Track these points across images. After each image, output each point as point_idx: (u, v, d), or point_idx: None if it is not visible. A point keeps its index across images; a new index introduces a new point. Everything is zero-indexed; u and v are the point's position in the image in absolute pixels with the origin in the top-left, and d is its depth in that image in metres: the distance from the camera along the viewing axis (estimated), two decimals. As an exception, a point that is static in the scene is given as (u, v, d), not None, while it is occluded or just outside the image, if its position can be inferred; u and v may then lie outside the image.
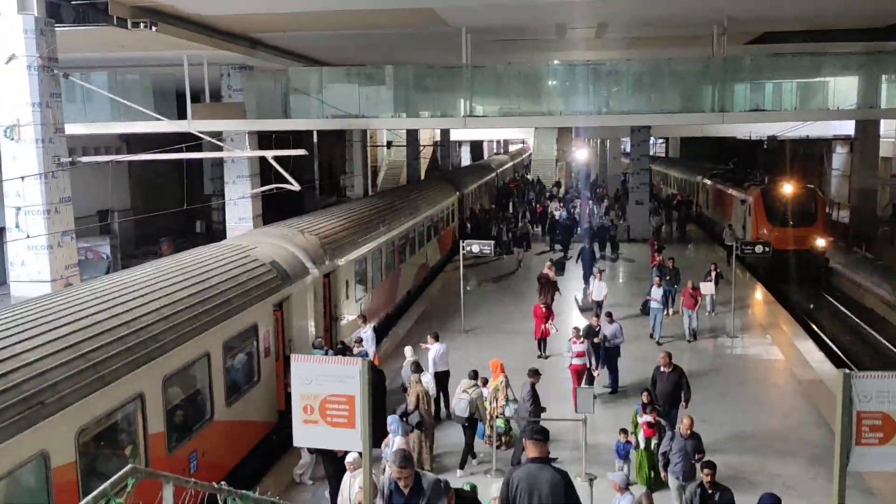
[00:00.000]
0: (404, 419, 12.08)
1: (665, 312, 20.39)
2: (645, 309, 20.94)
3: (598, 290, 20.93)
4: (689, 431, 10.71)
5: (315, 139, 44.42)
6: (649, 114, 21.21)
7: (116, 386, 8.81)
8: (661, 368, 13.20)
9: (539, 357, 18.13)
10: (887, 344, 21.48)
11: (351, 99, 22.97)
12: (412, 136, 46.13)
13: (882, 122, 36.89)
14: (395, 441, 10.96)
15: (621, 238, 34.09)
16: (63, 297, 10.12)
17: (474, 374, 13.24)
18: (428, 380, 13.38)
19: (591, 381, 15.20)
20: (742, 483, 11.46)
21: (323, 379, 8.16)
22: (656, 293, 19.96)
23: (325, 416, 8.36)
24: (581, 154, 54.62)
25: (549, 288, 21.08)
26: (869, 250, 31.79)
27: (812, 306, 26.39)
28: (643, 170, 36.97)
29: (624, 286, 25.95)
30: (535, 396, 12.61)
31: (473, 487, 7.49)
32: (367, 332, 16.14)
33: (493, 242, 21.53)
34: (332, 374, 8.09)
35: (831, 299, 26.98)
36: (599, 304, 20.63)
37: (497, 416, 12.98)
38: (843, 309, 25.50)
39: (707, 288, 21.07)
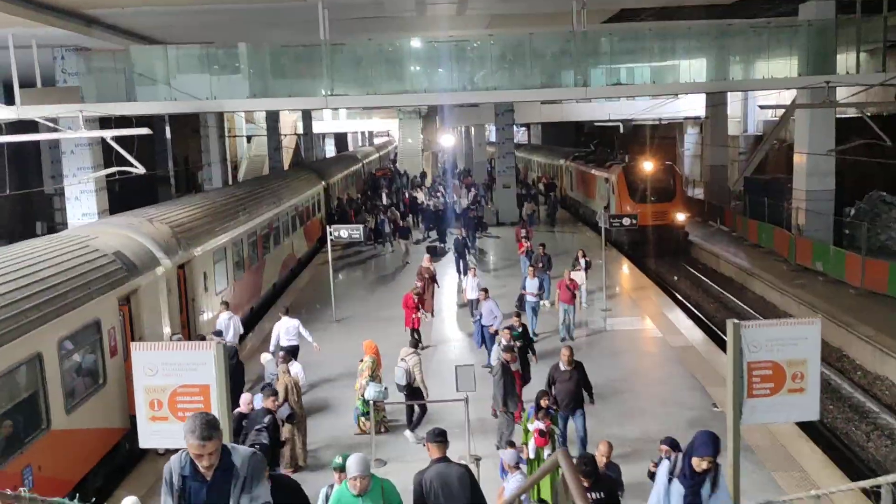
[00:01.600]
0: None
1: (541, 304, 18.87)
2: (521, 304, 18.72)
3: (472, 287, 18.91)
4: (605, 459, 8.83)
5: (168, 133, 41.94)
6: (513, 90, 20.91)
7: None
8: (562, 367, 11.58)
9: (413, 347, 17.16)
10: (747, 308, 22.29)
11: (201, 81, 21.46)
12: (272, 124, 44.39)
13: (728, 103, 38.83)
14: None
15: (490, 223, 34.21)
16: None
17: (414, 343, 13.44)
18: (297, 370, 12.42)
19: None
20: (628, 454, 11.23)
21: (171, 368, 7.10)
22: (531, 285, 18.32)
23: (175, 411, 7.29)
24: (446, 141, 54.39)
25: (429, 281, 20.06)
26: (724, 223, 33.28)
27: (676, 278, 27.19)
28: (508, 153, 37.16)
29: (495, 278, 24.41)
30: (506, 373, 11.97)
31: (346, 458, 6.65)
32: (222, 319, 14.92)
33: (362, 227, 20.69)
34: (181, 362, 7.06)
35: (692, 270, 27.91)
36: (474, 303, 18.45)
37: (358, 399, 12.57)
38: (704, 278, 26.38)
39: (579, 277, 19.42)
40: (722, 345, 18.47)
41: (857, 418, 14.83)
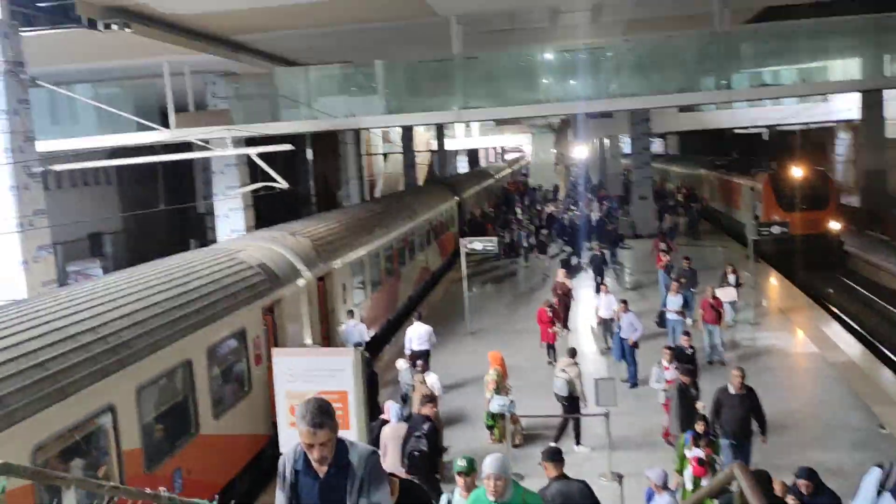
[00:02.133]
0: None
1: (685, 323, 16.89)
2: (662, 321, 17.57)
3: (606, 304, 17.55)
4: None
5: (309, 155, 43.65)
6: (649, 95, 20.18)
7: (81, 397, 7.82)
8: (731, 390, 10.34)
9: (549, 363, 16.37)
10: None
11: (340, 100, 22.16)
12: (407, 141, 45.29)
13: (885, 103, 36.06)
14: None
15: (627, 235, 33.15)
16: (23, 306, 9.16)
17: (572, 353, 13.04)
18: (433, 380, 12.35)
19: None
20: (786, 473, 10.39)
21: (310, 374, 7.20)
22: (673, 302, 16.93)
23: (315, 418, 7.38)
24: (580, 152, 53.52)
25: (564, 297, 19.24)
26: (884, 231, 30.82)
27: (832, 290, 25.36)
28: (645, 164, 36.07)
29: (634, 293, 23.32)
30: None
31: (470, 461, 6.23)
32: (348, 326, 15.09)
33: (496, 240, 20.53)
34: (320, 368, 7.13)
35: (850, 282, 25.95)
36: (607, 322, 17.48)
37: (485, 411, 12.39)
38: (863, 291, 24.46)
39: (727, 294, 17.93)
40: (886, 360, 17.03)
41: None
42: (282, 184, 14.62)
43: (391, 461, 9.77)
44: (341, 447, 3.76)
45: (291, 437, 7.04)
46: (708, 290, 16.89)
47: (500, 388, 12.31)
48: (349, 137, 37.09)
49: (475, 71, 21.25)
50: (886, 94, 34.67)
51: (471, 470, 6.15)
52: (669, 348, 12.70)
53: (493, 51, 22.20)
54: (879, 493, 4.16)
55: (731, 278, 19.16)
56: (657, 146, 77.27)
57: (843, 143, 48.50)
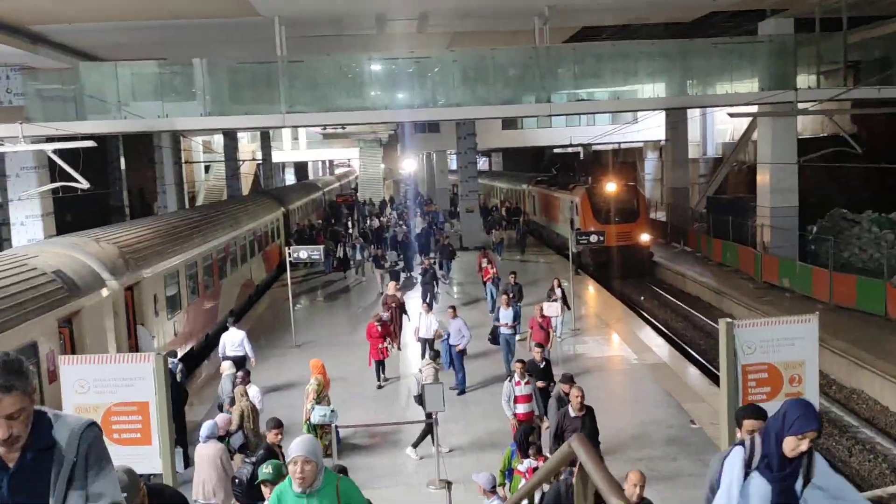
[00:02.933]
0: (226, 440, 10.28)
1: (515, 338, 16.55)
2: (495, 338, 16.69)
3: (426, 325, 16.18)
4: (639, 492, 6.82)
5: (122, 163, 40.89)
6: (475, 106, 20.45)
7: None
8: (572, 412, 9.47)
9: (378, 387, 15.60)
10: (715, 325, 21.95)
11: (154, 102, 20.71)
12: (230, 150, 43.59)
13: (688, 127, 39.04)
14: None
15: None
16: None
17: (435, 355, 13.09)
18: (255, 393, 11.61)
19: (537, 434, 10.34)
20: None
21: (104, 384, 6.36)
22: (506, 316, 16.15)
23: (110, 433, 6.53)
24: (408, 166, 53.90)
25: (397, 310, 18.13)
26: (687, 244, 33.19)
27: (642, 298, 26.86)
28: (471, 177, 36.75)
29: (462, 306, 21.79)
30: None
31: (277, 468, 5.62)
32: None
33: (322, 247, 19.92)
34: (116, 377, 6.33)
35: (659, 290, 27.62)
36: (427, 343, 15.98)
37: (304, 423, 11.71)
38: (671, 298, 26.10)
39: (553, 309, 16.83)
40: (693, 360, 18.13)
41: (838, 433, 14.43)
42: (82, 182, 13.34)
43: (203, 484, 8.98)
44: (40, 422, 2.61)
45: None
46: (536, 309, 15.83)
47: (322, 398, 11.76)
48: (166, 142, 34.97)
49: (300, 75, 20.61)
50: (689, 115, 37.50)
51: (277, 477, 5.46)
52: (522, 362, 11.69)
53: (319, 55, 21.63)
54: (746, 474, 3.57)
55: (558, 292, 18.73)
56: (482, 164, 79.64)
57: (651, 163, 52.12)
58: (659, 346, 18.35)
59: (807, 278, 22.35)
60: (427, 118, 25.18)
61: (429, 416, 11.38)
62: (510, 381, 11.46)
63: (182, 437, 11.59)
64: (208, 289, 20.16)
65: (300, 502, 4.32)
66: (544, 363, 12.47)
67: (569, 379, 10.36)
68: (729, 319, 6.44)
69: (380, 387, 15.63)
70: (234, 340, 15.06)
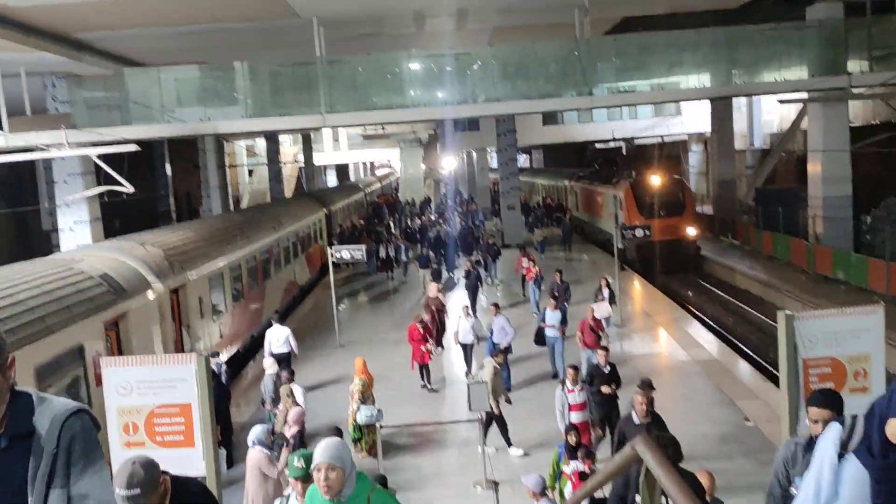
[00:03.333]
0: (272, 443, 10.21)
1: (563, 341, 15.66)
2: (539, 338, 15.84)
3: (464, 330, 15.70)
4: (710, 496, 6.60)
5: (168, 169, 41.55)
6: (516, 100, 20.20)
7: None
8: (636, 419, 8.58)
9: (423, 387, 15.28)
10: (768, 320, 21.36)
11: (197, 105, 20.94)
12: (272, 153, 43.95)
13: (734, 118, 38.20)
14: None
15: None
16: None
17: (497, 351, 12.80)
18: (299, 393, 11.54)
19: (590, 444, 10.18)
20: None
21: (147, 385, 6.30)
22: (552, 317, 15.37)
23: (153, 435, 6.46)
24: (448, 165, 53.77)
25: (438, 314, 17.64)
26: (735, 237, 32.45)
27: (691, 293, 26.30)
28: (512, 174, 36.43)
29: (512, 310, 21.18)
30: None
31: (306, 457, 5.11)
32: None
33: (363, 247, 19.83)
34: (158, 379, 6.27)
35: (708, 285, 27.03)
36: (467, 348, 15.82)
37: (351, 423, 11.65)
38: (720, 293, 25.51)
39: (603, 310, 16.25)
40: (745, 356, 17.63)
41: None
42: (127, 187, 13.43)
43: (245, 488, 8.83)
44: (20, 402, 2.25)
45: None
46: (588, 310, 15.01)
47: (367, 398, 11.66)
48: (210, 146, 35.37)
49: (340, 76, 20.62)
50: (735, 106, 36.70)
51: (309, 475, 4.77)
52: (574, 367, 10.98)
53: (359, 55, 21.61)
54: (841, 455, 3.00)
55: (606, 292, 17.86)
56: (523, 161, 79.20)
57: (695, 156, 51.16)
58: (709, 343, 17.88)
59: (862, 269, 21.62)
60: (467, 115, 24.96)
61: (488, 414, 11.34)
62: (562, 388, 10.72)
63: (227, 438, 11.59)
64: (252, 290, 20.25)
65: None
66: (609, 367, 11.39)
67: (648, 385, 9.54)
68: (788, 312, 6.12)
69: (428, 388, 15.33)
70: (279, 337, 15.22)
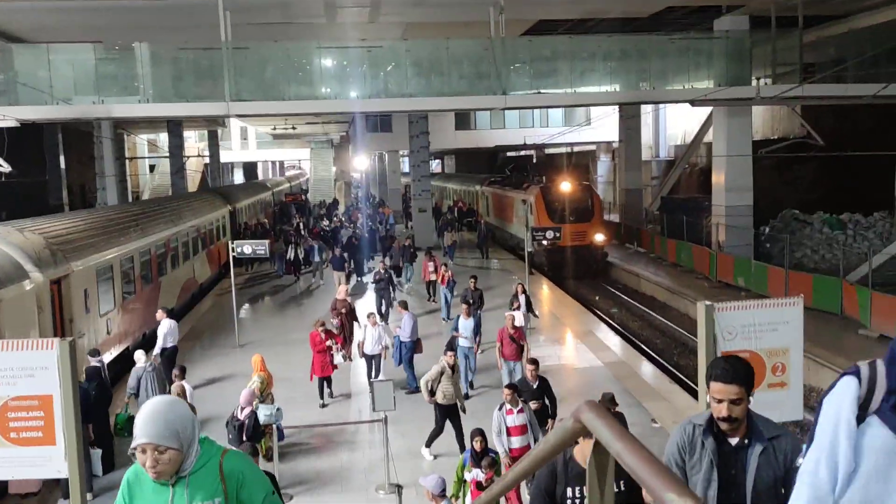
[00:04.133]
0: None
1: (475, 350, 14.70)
2: (452, 349, 13.86)
3: (372, 338, 14.50)
4: None
5: (62, 162, 39.21)
6: (429, 97, 19.80)
7: None
8: (529, 382, 10.39)
9: (322, 406, 13.81)
10: (672, 324, 21.66)
11: (90, 87, 19.60)
12: (175, 148, 42.21)
13: (641, 129, 39.00)
14: None
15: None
16: None
17: (450, 345, 12.52)
18: (189, 390, 10.75)
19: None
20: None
21: (0, 374, 5.54)
22: (465, 326, 14.42)
23: (6, 432, 5.68)
24: (360, 165, 53.05)
25: (348, 317, 16.42)
26: (641, 245, 33.02)
27: (597, 297, 26.50)
28: (423, 176, 36.07)
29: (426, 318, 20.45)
30: None
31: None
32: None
33: (266, 242, 18.97)
34: (13, 367, 5.48)
35: (614, 290, 27.31)
36: (371, 359, 14.63)
37: None
38: (626, 298, 25.78)
39: (519, 319, 14.70)
40: (651, 359, 17.73)
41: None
42: (4, 166, 12.29)
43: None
44: None
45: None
46: (507, 319, 13.80)
47: (265, 396, 10.96)
48: (108, 133, 33.60)
49: (247, 64, 19.73)
50: (642, 118, 37.46)
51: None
52: (512, 387, 9.66)
53: (267, 42, 20.74)
54: (860, 419, 2.06)
55: (522, 299, 17.06)
56: (435, 166, 79.12)
57: (603, 165, 52.18)
58: (616, 346, 17.91)
59: (762, 277, 22.21)
60: (378, 109, 24.39)
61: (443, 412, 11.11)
62: (499, 410, 9.40)
63: (107, 439, 10.65)
64: (146, 285, 19.10)
65: (162, 492, 2.96)
66: (538, 381, 10.60)
67: (610, 400, 9.78)
68: (708, 302, 5.86)
69: (323, 405, 13.88)
70: (171, 330, 14.54)
